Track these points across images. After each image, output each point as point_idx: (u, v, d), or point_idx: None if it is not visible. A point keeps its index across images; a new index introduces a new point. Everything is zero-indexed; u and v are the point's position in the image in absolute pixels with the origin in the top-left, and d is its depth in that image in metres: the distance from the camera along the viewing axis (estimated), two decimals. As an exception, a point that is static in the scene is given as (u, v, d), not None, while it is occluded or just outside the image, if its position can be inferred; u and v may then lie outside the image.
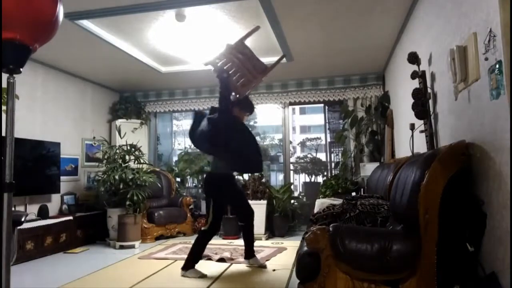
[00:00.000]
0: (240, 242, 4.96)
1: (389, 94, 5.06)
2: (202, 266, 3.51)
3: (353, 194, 4.89)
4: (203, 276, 3.34)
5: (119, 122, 5.92)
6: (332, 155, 7.01)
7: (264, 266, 3.63)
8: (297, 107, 21.13)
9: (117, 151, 5.12)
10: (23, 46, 1.50)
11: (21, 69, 1.53)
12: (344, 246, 1.81)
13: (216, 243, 4.93)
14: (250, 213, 3.72)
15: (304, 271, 1.92)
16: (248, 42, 4.32)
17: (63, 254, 4.44)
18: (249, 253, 3.73)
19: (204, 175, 3.91)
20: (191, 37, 4.16)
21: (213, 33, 4.07)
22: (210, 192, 3.58)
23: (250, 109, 3.70)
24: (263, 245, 4.63)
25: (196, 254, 3.44)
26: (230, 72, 3.39)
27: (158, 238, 5.21)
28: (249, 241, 3.74)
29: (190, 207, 5.75)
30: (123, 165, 5.03)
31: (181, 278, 3.36)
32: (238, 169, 3.95)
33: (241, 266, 3.72)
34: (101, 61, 4.86)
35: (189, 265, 3.39)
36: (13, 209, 1.73)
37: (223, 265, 3.70)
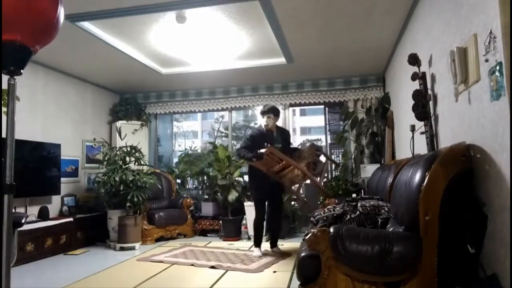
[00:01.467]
0: (241, 244, 4.97)
1: (389, 95, 5.06)
2: (203, 271, 3.49)
3: (353, 195, 4.89)
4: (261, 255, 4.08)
5: (119, 123, 5.93)
6: (333, 157, 7.00)
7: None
8: (297, 109, 21.09)
9: (118, 152, 5.12)
10: (24, 48, 1.50)
11: (21, 71, 1.53)
12: (344, 247, 1.81)
13: (217, 245, 4.93)
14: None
15: (304, 272, 1.92)
16: (248, 43, 4.35)
17: (63, 256, 4.43)
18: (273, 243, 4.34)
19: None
20: (192, 38, 4.16)
21: (214, 35, 4.08)
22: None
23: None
24: (264, 247, 4.60)
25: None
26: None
27: (158, 239, 5.21)
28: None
29: (190, 209, 5.74)
30: (123, 166, 5.03)
31: (181, 280, 3.35)
32: None
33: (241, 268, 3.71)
34: (102, 62, 4.87)
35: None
36: (13, 210, 1.72)
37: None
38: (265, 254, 4.18)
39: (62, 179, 4.97)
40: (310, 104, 6.00)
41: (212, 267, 3.72)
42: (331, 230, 1.89)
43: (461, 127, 2.21)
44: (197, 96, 6.32)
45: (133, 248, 4.70)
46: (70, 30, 3.69)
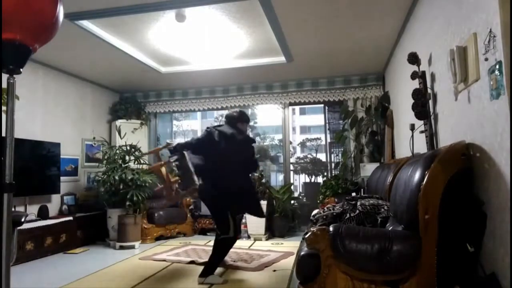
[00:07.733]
0: (240, 243, 4.98)
1: (389, 94, 5.06)
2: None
3: (353, 194, 4.90)
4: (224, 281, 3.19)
5: (119, 122, 5.92)
6: (332, 156, 7.01)
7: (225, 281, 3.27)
8: (297, 108, 21.12)
9: (117, 151, 5.12)
10: (23, 47, 1.50)
11: (21, 70, 1.52)
12: (344, 246, 1.81)
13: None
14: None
15: (304, 271, 1.92)
16: (248, 42, 4.34)
17: (63, 255, 4.44)
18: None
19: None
20: (191, 37, 4.16)
21: (213, 34, 4.08)
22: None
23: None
24: (264, 246, 4.62)
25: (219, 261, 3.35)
26: None
27: (158, 238, 5.21)
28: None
29: (190, 208, 5.75)
30: (123, 165, 5.03)
31: (181, 279, 3.36)
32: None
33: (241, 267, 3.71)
34: (101, 61, 4.86)
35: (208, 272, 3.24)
36: (13, 209, 1.73)
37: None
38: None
39: (62, 178, 4.97)
40: (309, 103, 6.00)
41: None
42: (331, 229, 1.89)
43: (460, 126, 2.21)
44: (197, 95, 6.31)
45: (132, 247, 4.70)
46: (70, 29, 3.69)
